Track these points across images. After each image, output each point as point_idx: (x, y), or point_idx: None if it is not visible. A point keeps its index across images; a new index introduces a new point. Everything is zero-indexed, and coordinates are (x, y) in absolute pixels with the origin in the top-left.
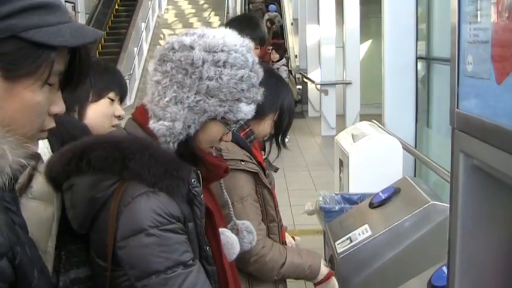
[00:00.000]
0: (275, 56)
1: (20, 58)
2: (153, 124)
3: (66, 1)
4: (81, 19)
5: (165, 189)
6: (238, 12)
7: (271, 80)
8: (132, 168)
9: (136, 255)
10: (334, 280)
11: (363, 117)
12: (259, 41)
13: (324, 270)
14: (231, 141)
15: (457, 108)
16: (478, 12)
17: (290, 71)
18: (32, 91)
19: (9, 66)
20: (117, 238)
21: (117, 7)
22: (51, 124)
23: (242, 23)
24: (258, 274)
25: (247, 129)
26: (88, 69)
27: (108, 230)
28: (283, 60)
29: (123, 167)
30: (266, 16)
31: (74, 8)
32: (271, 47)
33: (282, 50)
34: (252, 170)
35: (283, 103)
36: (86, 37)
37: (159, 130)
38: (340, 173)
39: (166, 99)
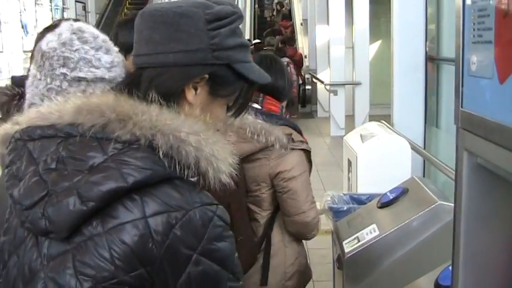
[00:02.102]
0: None
1: (225, 83)
2: None
3: (76, 1)
4: (92, 19)
5: None
6: (248, 12)
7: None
8: None
9: None
10: None
11: (372, 117)
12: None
13: None
14: (287, 125)
15: (461, 107)
16: (482, 13)
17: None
18: (222, 109)
19: (216, 87)
20: None
21: (127, 7)
22: None
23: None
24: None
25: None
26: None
27: None
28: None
29: None
30: None
31: (84, 7)
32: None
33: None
34: (308, 149)
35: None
36: (264, 77)
37: None
38: (348, 173)
39: None
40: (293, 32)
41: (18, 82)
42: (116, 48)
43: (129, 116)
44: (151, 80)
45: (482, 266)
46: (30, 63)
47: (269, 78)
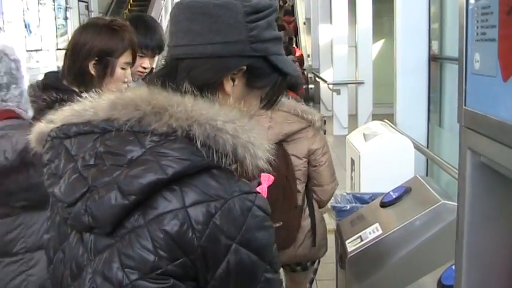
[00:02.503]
0: None
1: (262, 75)
2: None
3: (79, 0)
4: None
5: None
6: None
7: None
8: None
9: None
10: None
11: (375, 117)
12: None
13: None
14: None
15: (465, 105)
16: (485, 10)
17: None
18: (256, 100)
19: (253, 78)
20: None
21: (130, 7)
22: None
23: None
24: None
25: None
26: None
27: None
28: None
29: None
30: None
31: (87, 7)
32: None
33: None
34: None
35: None
36: (295, 70)
37: None
38: (351, 172)
39: None
40: (296, 27)
41: (52, 82)
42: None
43: (165, 108)
44: (189, 70)
45: (485, 265)
46: None
47: (295, 68)
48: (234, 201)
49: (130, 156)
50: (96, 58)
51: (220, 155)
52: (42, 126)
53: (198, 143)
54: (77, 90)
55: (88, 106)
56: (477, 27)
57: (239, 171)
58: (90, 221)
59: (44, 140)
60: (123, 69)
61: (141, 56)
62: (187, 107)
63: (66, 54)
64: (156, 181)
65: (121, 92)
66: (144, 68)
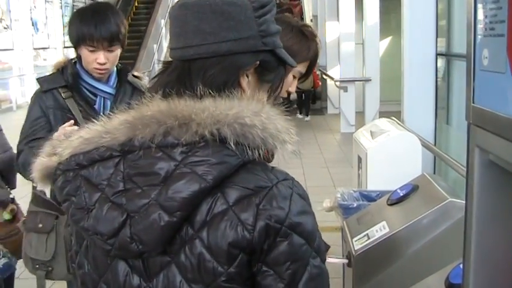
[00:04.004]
0: None
1: (271, 68)
2: None
3: None
4: None
5: None
6: None
7: None
8: None
9: None
10: None
11: (383, 114)
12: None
13: None
14: None
15: (473, 103)
16: (494, 5)
17: None
18: (265, 94)
19: (264, 72)
20: None
21: (136, 4)
22: None
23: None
24: None
25: None
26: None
27: None
28: None
29: None
30: None
31: None
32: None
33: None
34: None
35: None
36: (294, 62)
37: None
38: (358, 169)
39: None
40: (301, 11)
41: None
42: None
43: (191, 118)
44: (204, 71)
45: (493, 264)
46: None
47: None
48: (276, 188)
49: (164, 173)
50: None
51: (252, 150)
52: (44, 161)
53: (232, 143)
54: None
55: (102, 132)
56: (486, 23)
57: (271, 160)
58: (140, 247)
59: (51, 175)
60: (294, 77)
61: (92, 51)
62: (212, 111)
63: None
64: (198, 191)
65: (135, 110)
66: (100, 64)
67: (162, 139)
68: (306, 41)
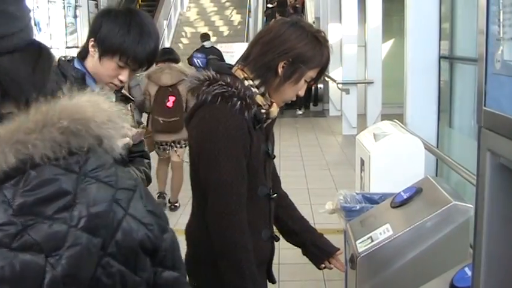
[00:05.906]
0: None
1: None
2: None
3: None
4: None
5: None
6: (260, 11)
7: None
8: None
9: None
10: None
11: (385, 116)
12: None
13: None
14: None
15: (485, 106)
16: (507, 9)
17: None
18: None
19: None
20: None
21: (139, 4)
22: None
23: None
24: None
25: None
26: None
27: None
28: None
29: None
30: None
31: (96, 5)
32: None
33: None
34: None
35: None
36: None
37: None
38: (361, 172)
39: None
40: (303, 3)
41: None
42: None
43: None
44: None
45: (503, 269)
46: None
47: None
48: None
49: None
50: (290, 60)
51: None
52: None
53: None
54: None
55: None
56: (498, 26)
57: None
58: None
59: None
60: (305, 81)
61: (122, 67)
62: None
63: (256, 41)
64: None
65: None
66: (121, 82)
67: None
68: (319, 46)
